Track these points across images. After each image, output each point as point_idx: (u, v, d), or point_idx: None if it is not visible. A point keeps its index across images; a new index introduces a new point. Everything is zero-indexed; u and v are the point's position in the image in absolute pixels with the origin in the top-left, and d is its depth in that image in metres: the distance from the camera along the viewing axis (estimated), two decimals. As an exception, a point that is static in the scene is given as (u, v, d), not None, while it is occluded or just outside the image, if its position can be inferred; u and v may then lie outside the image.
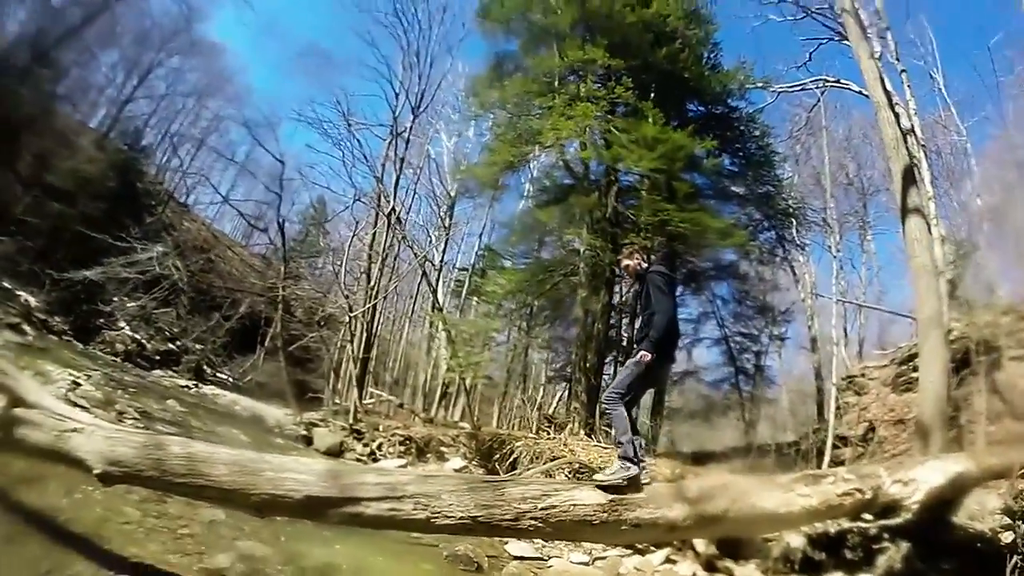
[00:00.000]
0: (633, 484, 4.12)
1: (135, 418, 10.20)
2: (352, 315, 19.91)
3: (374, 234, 20.47)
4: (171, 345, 26.06)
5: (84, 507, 4.82)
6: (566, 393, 17.98)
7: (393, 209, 19.51)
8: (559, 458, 10.76)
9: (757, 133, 17.32)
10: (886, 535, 4.69)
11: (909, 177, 9.54)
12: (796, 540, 6.19)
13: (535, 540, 7.57)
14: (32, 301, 20.96)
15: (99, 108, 31.57)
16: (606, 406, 4.87)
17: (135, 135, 30.61)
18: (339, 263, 24.44)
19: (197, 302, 27.05)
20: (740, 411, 16.74)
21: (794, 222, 17.79)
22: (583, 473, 9.67)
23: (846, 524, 4.92)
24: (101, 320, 24.02)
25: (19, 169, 25.20)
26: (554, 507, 3.75)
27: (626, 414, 4.61)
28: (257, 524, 5.14)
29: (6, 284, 20.89)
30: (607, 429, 13.09)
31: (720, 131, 16.13)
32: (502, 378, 20.80)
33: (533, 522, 3.74)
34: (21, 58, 23.99)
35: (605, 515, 3.80)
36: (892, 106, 10.40)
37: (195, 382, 23.36)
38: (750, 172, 16.90)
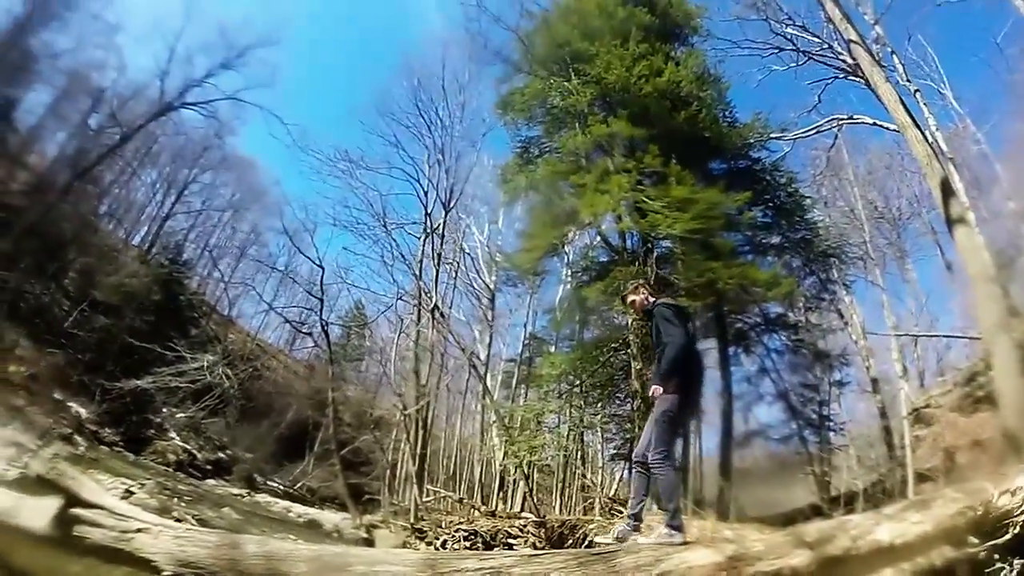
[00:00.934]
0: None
1: (191, 526, 10.26)
2: (406, 413, 19.79)
3: (418, 332, 20.67)
4: (221, 454, 26.34)
5: None
6: (626, 472, 17.60)
7: (436, 306, 19.73)
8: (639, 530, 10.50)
9: (783, 181, 17.37)
10: (996, 556, 4.37)
11: (947, 190, 9.57)
12: None
13: None
14: (83, 412, 21.46)
15: (140, 225, 33.15)
16: (655, 471, 4.59)
17: (176, 250, 31.58)
18: (385, 363, 24.77)
19: (246, 410, 27.35)
20: (810, 464, 16.13)
21: (835, 262, 17.58)
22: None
23: (950, 553, 4.60)
24: (151, 431, 24.49)
25: (65, 284, 26.28)
26: (669, 572, 3.52)
27: (673, 471, 4.55)
28: None
29: (57, 396, 21.45)
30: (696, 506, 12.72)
31: (747, 185, 16.12)
32: (558, 464, 20.36)
33: None
34: (63, 177, 25.24)
35: (724, 573, 3.50)
36: (917, 124, 10.43)
37: (247, 490, 23.42)
38: (783, 221, 16.89)
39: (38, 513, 4.07)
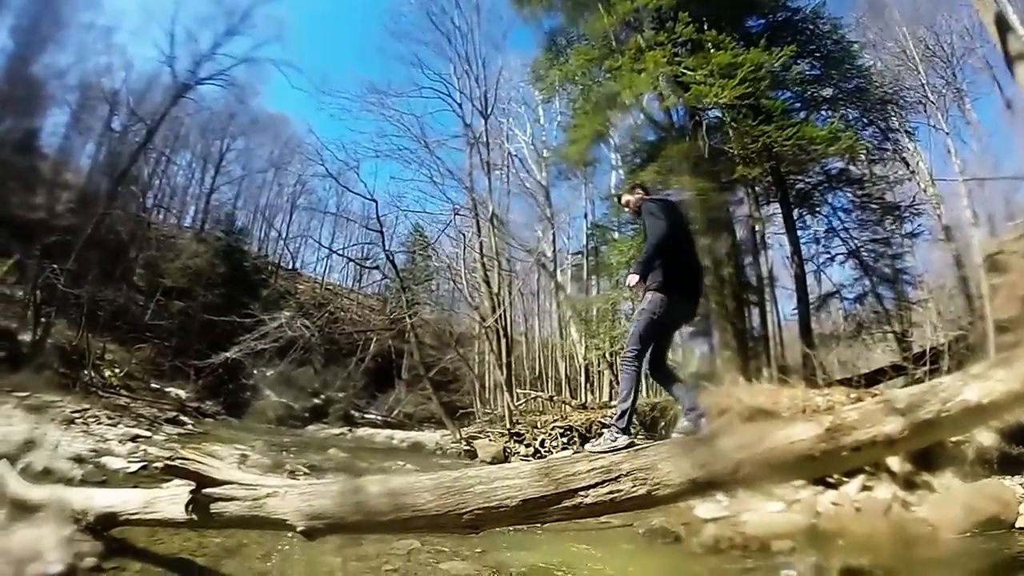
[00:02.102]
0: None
1: (306, 473, 10.93)
2: (485, 325, 20.18)
3: (481, 243, 20.87)
4: (316, 400, 27.63)
5: (287, 565, 5.17)
6: (707, 348, 17.83)
7: (494, 214, 19.84)
8: (729, 409, 10.72)
9: (827, 29, 16.30)
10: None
11: (1003, 24, 9.16)
12: (987, 438, 5.92)
13: (721, 499, 7.58)
14: (182, 394, 22.85)
15: (188, 206, 34.22)
16: (621, 365, 4.58)
17: (228, 220, 32.54)
18: (455, 278, 25.18)
19: (330, 354, 28.47)
20: (888, 322, 16.00)
21: (894, 109, 16.85)
22: (752, 420, 9.57)
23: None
24: (247, 394, 25.80)
25: (134, 282, 27.35)
26: (773, 448, 3.58)
27: (636, 378, 4.44)
28: (450, 544, 5.47)
29: (154, 385, 22.78)
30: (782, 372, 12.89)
31: (789, 38, 15.24)
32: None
33: (754, 469, 3.59)
34: (103, 185, 25.86)
35: (824, 445, 3.58)
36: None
37: (347, 428, 24.68)
38: (832, 71, 15.96)
39: (173, 502, 4.68)
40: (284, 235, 38.20)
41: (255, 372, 26.59)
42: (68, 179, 27.94)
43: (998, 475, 6.90)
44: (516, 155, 25.09)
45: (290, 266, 37.63)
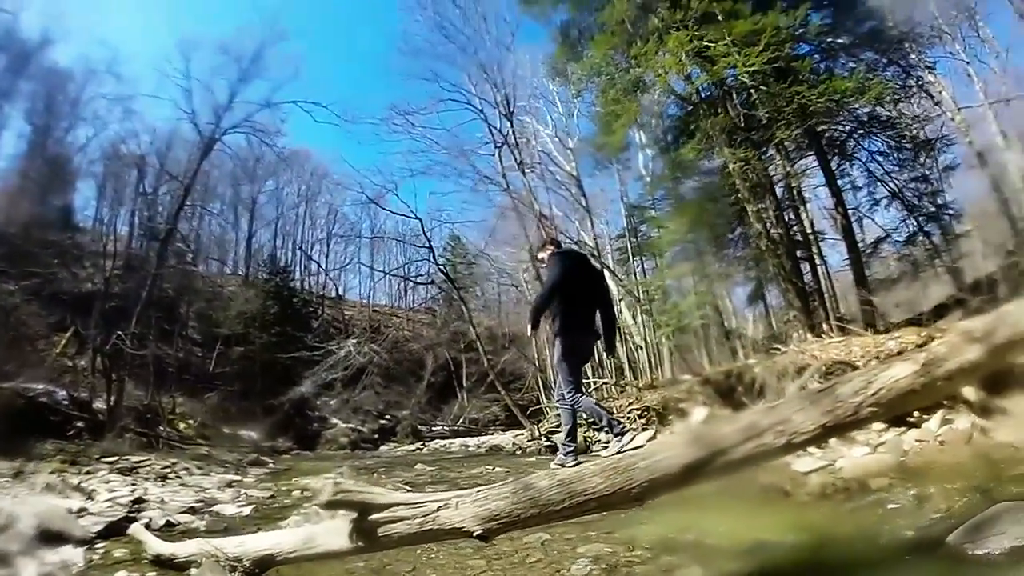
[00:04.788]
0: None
1: (408, 489, 11.41)
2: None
3: (531, 243, 21.30)
4: (382, 421, 28.42)
5: (440, 574, 5.40)
6: (762, 309, 18.12)
7: (541, 214, 20.35)
8: (806, 367, 11.01)
9: None
10: None
11: None
12: None
13: (814, 452, 8.14)
14: (254, 435, 23.45)
15: (228, 252, 35.14)
16: (559, 407, 5.53)
17: (271, 260, 33.47)
18: (507, 283, 25.76)
19: (390, 374, 29.26)
20: (939, 257, 16.19)
21: (912, 46, 16.64)
22: (838, 371, 9.85)
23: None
24: (314, 425, 26.66)
25: (190, 335, 28.41)
26: (881, 389, 3.95)
27: (573, 414, 5.33)
28: (578, 530, 5.66)
29: (226, 430, 23.35)
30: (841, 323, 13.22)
31: None
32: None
33: (871, 409, 3.96)
34: (147, 246, 26.91)
35: (923, 379, 3.94)
36: None
37: (418, 443, 25.41)
38: (846, 18, 16.02)
39: (333, 534, 4.87)
40: (324, 266, 39.42)
41: (318, 403, 27.50)
42: (109, 248, 28.63)
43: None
44: (543, 150, 25.54)
45: (334, 294, 38.68)
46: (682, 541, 5.36)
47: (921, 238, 16.17)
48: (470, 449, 22.70)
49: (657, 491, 4.29)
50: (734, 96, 14.94)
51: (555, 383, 5.51)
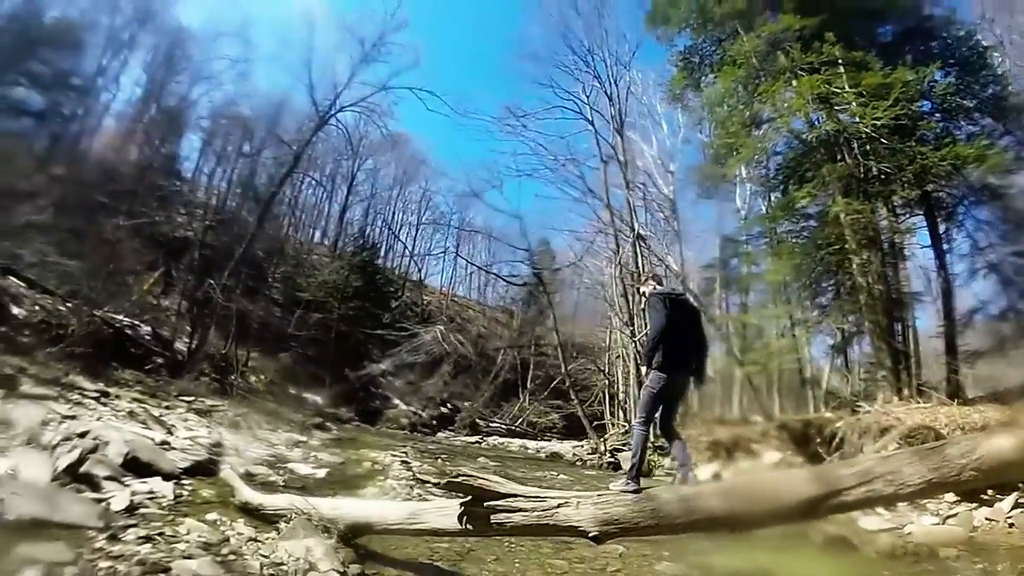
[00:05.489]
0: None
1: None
2: (636, 339, 21.08)
3: (621, 261, 22.11)
4: (442, 409, 29.27)
5: (524, 567, 5.84)
6: (842, 363, 18.07)
7: (639, 235, 20.81)
8: (889, 428, 10.99)
9: (962, 34, 16.39)
10: None
11: None
12: None
13: (883, 513, 8.32)
14: (319, 400, 24.20)
15: (318, 222, 36.82)
16: (633, 428, 5.91)
17: (361, 235, 34.79)
18: (590, 295, 26.23)
19: (458, 363, 30.14)
20: None
21: None
22: (920, 437, 9.91)
23: None
24: (376, 402, 27.65)
25: (274, 296, 29.80)
26: (985, 455, 4.17)
27: (645, 437, 5.57)
28: (652, 548, 6.17)
29: (292, 391, 24.31)
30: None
31: (923, 46, 15.88)
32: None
33: (973, 473, 4.15)
34: (247, 205, 28.39)
35: (1022, 453, 4.18)
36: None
37: (476, 436, 26.12)
38: (970, 80, 15.96)
39: (442, 514, 5.19)
40: (411, 249, 40.89)
41: (383, 381, 28.51)
42: (208, 200, 30.59)
43: None
44: (644, 169, 25.57)
45: (415, 278, 39.94)
46: (755, 573, 5.89)
47: (1012, 315, 15.70)
48: (529, 452, 23.17)
49: (773, 521, 4.67)
50: (853, 145, 14.99)
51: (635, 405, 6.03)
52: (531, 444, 24.99)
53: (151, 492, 6.13)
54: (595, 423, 23.59)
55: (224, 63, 28.96)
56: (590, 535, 4.64)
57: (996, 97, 15.96)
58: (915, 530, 8.02)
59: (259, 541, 5.32)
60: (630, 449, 6.17)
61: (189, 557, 4.51)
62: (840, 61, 14.94)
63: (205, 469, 7.75)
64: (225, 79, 29.27)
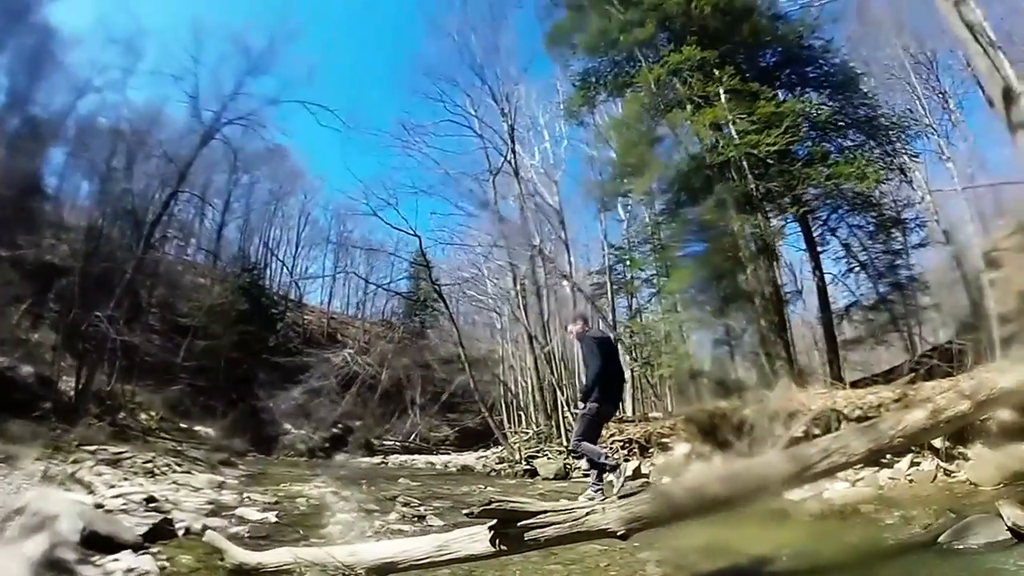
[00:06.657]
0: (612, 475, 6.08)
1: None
2: (544, 349, 22.44)
3: (523, 280, 23.40)
4: (334, 430, 29.53)
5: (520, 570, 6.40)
6: (726, 352, 19.88)
7: (540, 248, 22.23)
8: (796, 413, 12.01)
9: (837, 61, 18.92)
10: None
11: (1009, 96, 10.43)
12: (1006, 414, 8.73)
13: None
14: (211, 432, 24.21)
15: (189, 239, 35.58)
16: (574, 452, 7.60)
17: (242, 256, 34.21)
18: (494, 308, 27.38)
19: (345, 384, 30.45)
20: (899, 324, 18.20)
21: (897, 132, 18.71)
22: (826, 418, 11.49)
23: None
24: (269, 429, 27.57)
25: (149, 321, 28.56)
26: (907, 427, 5.67)
27: (591, 446, 6.47)
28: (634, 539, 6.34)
29: (183, 424, 24.13)
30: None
31: (803, 71, 18.51)
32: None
33: (900, 440, 5.67)
34: (117, 226, 27.31)
35: (931, 422, 5.73)
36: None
37: (373, 456, 26.63)
38: (844, 102, 18.41)
39: (472, 540, 5.50)
40: (290, 268, 40.74)
41: (271, 406, 28.40)
42: (75, 221, 28.60)
43: (1017, 442, 8.99)
44: (528, 180, 27.14)
45: (294, 297, 39.74)
46: (724, 547, 6.89)
47: (884, 306, 18.22)
48: (437, 467, 23.68)
49: (763, 496, 5.83)
50: (745, 167, 17.05)
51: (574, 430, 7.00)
52: (435, 460, 25.79)
53: (130, 570, 5.69)
54: (494, 434, 24.84)
55: (94, 70, 27.55)
56: (619, 534, 5.27)
57: (868, 117, 18.51)
58: (832, 495, 9.73)
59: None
60: (588, 467, 6.90)
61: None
62: (737, 90, 17.14)
63: (163, 532, 7.25)
64: (94, 87, 27.81)
